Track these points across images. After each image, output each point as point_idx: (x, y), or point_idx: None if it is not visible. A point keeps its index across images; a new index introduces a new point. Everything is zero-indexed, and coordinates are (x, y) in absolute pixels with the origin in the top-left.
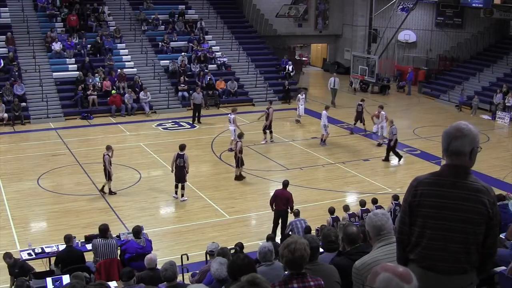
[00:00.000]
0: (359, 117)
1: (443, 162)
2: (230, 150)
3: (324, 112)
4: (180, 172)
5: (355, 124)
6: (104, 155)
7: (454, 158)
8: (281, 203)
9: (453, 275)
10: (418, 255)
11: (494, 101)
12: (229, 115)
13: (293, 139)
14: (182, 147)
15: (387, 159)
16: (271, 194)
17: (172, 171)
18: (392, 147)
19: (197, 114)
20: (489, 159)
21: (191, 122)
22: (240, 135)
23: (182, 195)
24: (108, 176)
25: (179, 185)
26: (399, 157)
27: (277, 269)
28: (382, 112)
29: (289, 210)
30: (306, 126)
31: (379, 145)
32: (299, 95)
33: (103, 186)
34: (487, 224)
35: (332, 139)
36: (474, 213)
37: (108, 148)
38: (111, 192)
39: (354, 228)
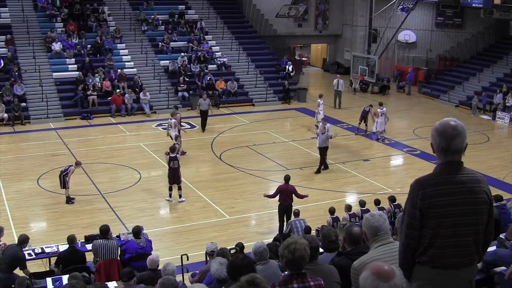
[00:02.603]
0: (363, 117)
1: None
2: (183, 153)
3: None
4: (174, 174)
5: (359, 124)
6: (70, 166)
7: (455, 155)
8: (287, 197)
9: (463, 268)
10: (431, 256)
11: (494, 101)
12: (169, 120)
13: (293, 139)
14: (173, 149)
15: (326, 166)
16: (272, 194)
17: None
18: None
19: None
20: (489, 159)
21: (196, 125)
22: (176, 137)
23: (180, 196)
24: (65, 185)
25: (174, 186)
26: (322, 165)
27: (273, 267)
28: (383, 110)
29: (299, 198)
30: (306, 126)
31: (379, 140)
32: (318, 100)
33: (66, 196)
34: (488, 212)
35: (332, 139)
36: (480, 203)
37: (78, 164)
38: (69, 201)
39: (357, 228)
